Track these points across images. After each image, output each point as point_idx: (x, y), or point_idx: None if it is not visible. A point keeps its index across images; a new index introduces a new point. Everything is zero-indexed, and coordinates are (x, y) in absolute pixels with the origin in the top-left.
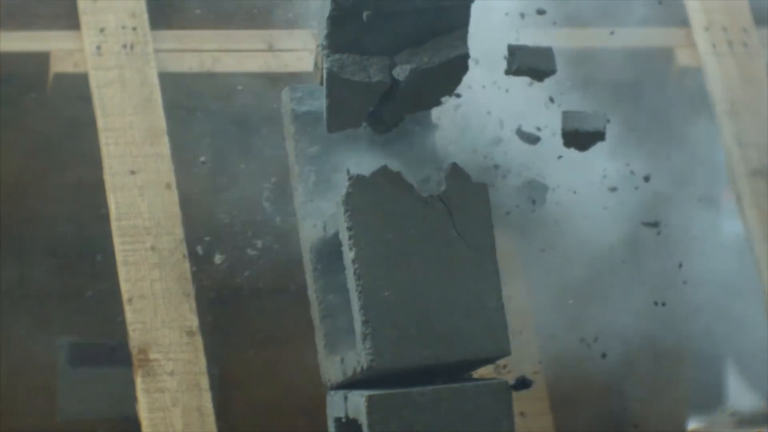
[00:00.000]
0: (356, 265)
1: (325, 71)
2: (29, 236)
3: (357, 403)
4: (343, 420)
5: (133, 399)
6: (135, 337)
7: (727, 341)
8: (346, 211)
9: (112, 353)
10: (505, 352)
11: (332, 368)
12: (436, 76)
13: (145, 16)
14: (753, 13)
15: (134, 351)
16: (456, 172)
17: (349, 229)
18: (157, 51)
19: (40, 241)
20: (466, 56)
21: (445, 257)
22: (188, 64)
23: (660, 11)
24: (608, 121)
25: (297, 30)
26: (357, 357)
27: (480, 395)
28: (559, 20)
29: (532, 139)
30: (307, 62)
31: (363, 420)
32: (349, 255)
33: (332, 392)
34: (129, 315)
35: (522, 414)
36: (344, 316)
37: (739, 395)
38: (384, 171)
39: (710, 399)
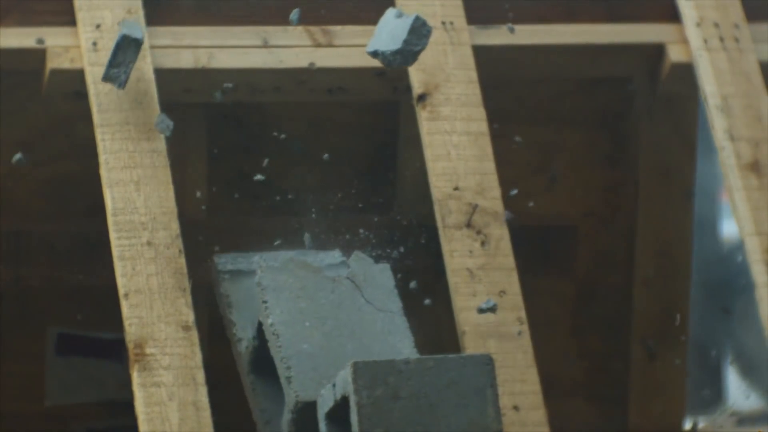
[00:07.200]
0: (274, 327)
1: None
2: (24, 231)
3: (344, 377)
4: (332, 407)
5: (120, 385)
6: (131, 331)
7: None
8: (261, 290)
9: (100, 344)
10: None
11: None
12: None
13: (141, 13)
14: (744, 8)
15: (130, 346)
16: (359, 257)
17: (265, 302)
18: (152, 47)
19: (36, 236)
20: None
21: (356, 319)
22: (183, 60)
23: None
24: None
25: (291, 26)
26: (287, 407)
27: (464, 366)
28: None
29: None
30: (302, 58)
31: (349, 389)
32: (267, 322)
33: (321, 391)
34: (125, 310)
35: (516, 408)
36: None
37: (739, 395)
38: (292, 259)
39: (710, 399)
